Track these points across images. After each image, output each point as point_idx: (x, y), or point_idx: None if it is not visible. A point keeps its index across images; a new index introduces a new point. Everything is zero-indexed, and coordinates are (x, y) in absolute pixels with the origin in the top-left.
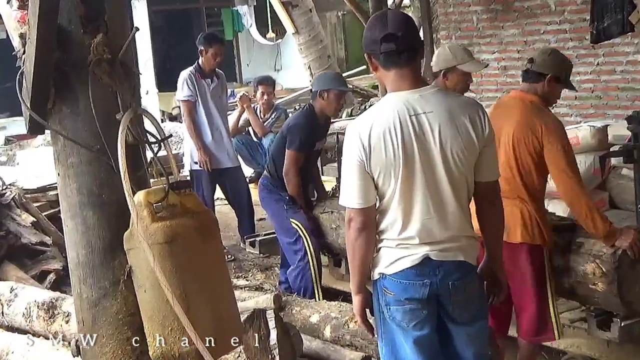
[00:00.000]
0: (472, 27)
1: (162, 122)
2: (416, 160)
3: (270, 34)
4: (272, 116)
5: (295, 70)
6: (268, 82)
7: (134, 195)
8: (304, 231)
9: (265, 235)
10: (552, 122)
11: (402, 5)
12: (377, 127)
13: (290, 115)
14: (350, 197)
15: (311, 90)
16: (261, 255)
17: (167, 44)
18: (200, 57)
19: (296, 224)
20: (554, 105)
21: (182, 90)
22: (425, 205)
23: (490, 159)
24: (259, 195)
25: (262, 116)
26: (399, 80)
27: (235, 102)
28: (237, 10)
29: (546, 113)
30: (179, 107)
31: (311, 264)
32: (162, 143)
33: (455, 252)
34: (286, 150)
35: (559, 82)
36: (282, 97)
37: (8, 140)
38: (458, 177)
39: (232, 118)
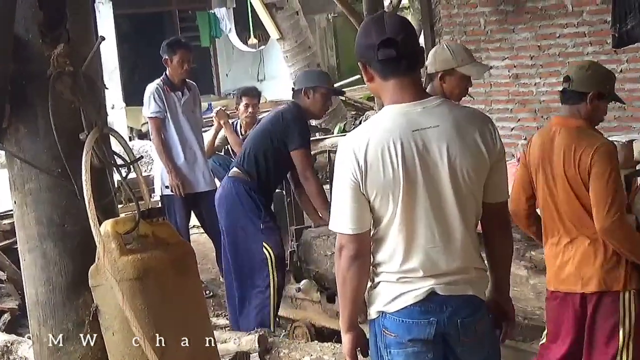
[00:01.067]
0: (479, 31)
1: (130, 140)
2: (419, 180)
3: (252, 40)
4: None
5: (280, 81)
6: (253, 94)
7: (100, 225)
8: (273, 260)
9: None
10: (602, 145)
11: (400, 6)
12: (374, 142)
13: None
14: (342, 221)
15: (293, 88)
16: None
17: (136, 52)
18: (167, 67)
19: (267, 251)
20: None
21: (149, 106)
22: (430, 231)
23: (500, 177)
24: (222, 200)
25: (243, 132)
26: (399, 91)
27: (212, 117)
28: (214, 13)
29: (595, 136)
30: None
31: (272, 298)
32: (131, 166)
33: (464, 286)
34: (293, 151)
35: (603, 97)
36: (266, 111)
37: None
38: (467, 199)
39: (207, 136)
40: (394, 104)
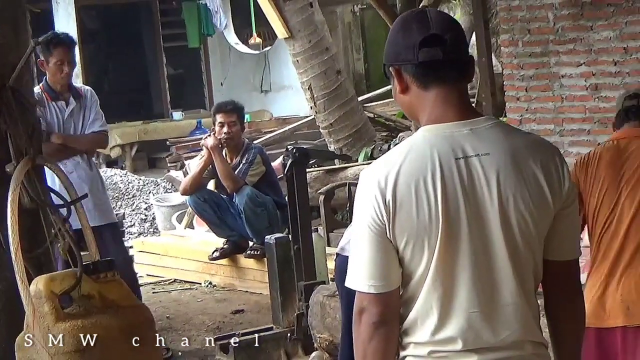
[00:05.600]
0: (547, 29)
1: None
2: (462, 224)
3: (255, 39)
4: (243, 160)
5: (290, 92)
6: (229, 109)
7: (30, 283)
8: None
9: (243, 335)
10: None
11: None
12: (406, 174)
13: (265, 154)
14: (362, 276)
15: None
16: None
17: (105, 55)
18: (44, 71)
19: None
20: None
21: None
22: (474, 291)
23: (568, 227)
24: None
25: (229, 160)
26: (441, 106)
27: (201, 142)
28: (206, 4)
29: None
30: (120, 146)
31: None
32: (72, 206)
33: None
34: None
35: None
36: (273, 131)
37: None
38: (523, 252)
39: (193, 165)
40: (433, 123)
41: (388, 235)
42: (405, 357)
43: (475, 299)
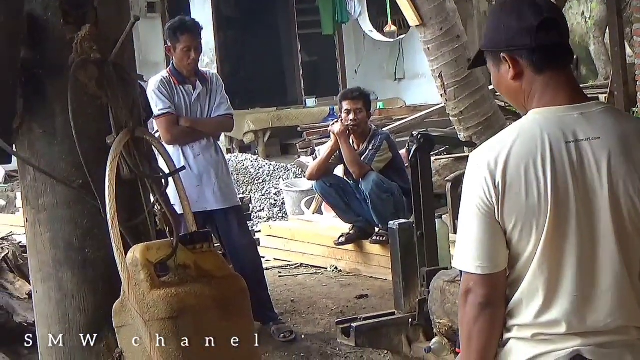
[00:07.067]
0: None
1: (228, 152)
2: (571, 208)
3: (390, 27)
4: (370, 146)
5: (423, 80)
6: (355, 96)
7: (126, 251)
8: None
9: (365, 319)
10: None
11: None
12: (516, 156)
13: (392, 140)
14: (469, 257)
15: None
16: (357, 348)
17: (240, 43)
18: (171, 56)
19: None
20: None
21: (155, 104)
22: (579, 275)
23: None
24: None
25: (356, 147)
26: (554, 89)
27: (328, 128)
28: None
29: None
30: (254, 132)
31: None
32: (170, 178)
33: (621, 350)
34: None
35: None
36: (403, 118)
37: (10, 177)
38: (632, 237)
39: (322, 150)
40: (544, 106)
41: (496, 216)
42: (509, 339)
43: (581, 283)
